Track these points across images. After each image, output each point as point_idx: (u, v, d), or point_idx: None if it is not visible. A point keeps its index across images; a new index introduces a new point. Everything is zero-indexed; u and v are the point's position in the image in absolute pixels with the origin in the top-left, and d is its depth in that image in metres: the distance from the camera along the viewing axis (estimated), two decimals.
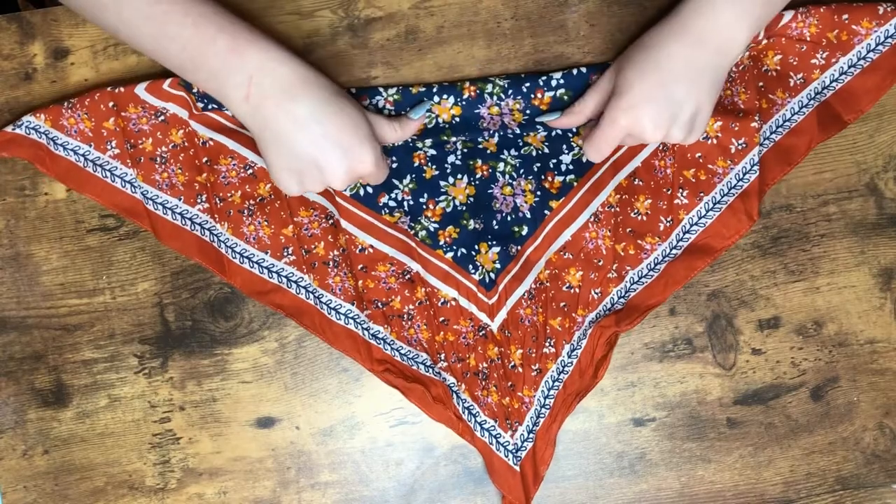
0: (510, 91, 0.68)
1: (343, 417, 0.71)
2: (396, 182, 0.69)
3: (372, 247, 0.69)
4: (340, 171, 0.60)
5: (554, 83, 0.68)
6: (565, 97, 0.68)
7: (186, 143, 0.69)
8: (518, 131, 0.69)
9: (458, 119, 0.69)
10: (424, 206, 0.69)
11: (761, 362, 0.71)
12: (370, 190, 0.69)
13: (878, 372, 0.71)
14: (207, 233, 0.69)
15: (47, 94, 0.71)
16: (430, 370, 0.70)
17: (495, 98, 0.68)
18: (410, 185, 0.69)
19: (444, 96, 0.68)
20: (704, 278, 0.71)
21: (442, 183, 0.69)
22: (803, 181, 0.71)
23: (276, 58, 0.58)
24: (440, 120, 0.69)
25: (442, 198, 0.69)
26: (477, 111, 0.68)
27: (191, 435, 0.71)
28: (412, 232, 0.69)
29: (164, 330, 0.71)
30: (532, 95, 0.68)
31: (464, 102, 0.68)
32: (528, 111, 0.68)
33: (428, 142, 0.69)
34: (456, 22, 0.71)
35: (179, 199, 0.69)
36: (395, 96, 0.68)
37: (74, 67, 0.71)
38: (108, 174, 0.69)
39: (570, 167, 0.69)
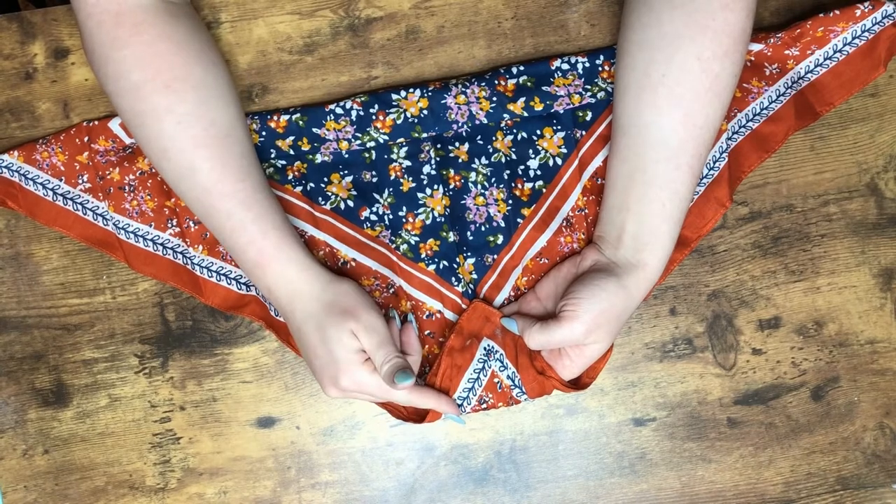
0: (473, 80, 0.69)
1: (343, 417, 0.71)
2: (377, 196, 0.69)
3: (354, 260, 0.69)
4: (329, 384, 0.63)
5: (515, 71, 0.68)
6: (528, 83, 0.68)
7: (154, 170, 0.69)
8: (485, 121, 0.69)
9: (426, 112, 0.68)
10: (404, 220, 0.69)
11: (761, 362, 0.71)
12: (351, 204, 0.69)
13: (878, 372, 0.71)
14: (180, 256, 0.69)
15: (47, 94, 0.71)
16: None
17: (460, 87, 0.68)
18: (389, 199, 0.69)
19: (411, 90, 0.68)
20: (705, 278, 0.71)
21: (420, 195, 0.69)
22: (803, 181, 0.71)
23: (286, 278, 0.63)
24: (408, 114, 0.69)
25: (421, 210, 0.69)
26: (443, 101, 0.68)
27: (191, 435, 0.71)
28: (393, 246, 0.69)
29: (164, 330, 0.71)
30: (496, 82, 0.68)
31: (430, 93, 0.68)
32: (493, 98, 0.68)
33: (402, 152, 0.69)
34: (456, 22, 0.71)
35: (150, 226, 0.69)
36: (363, 97, 0.69)
37: (75, 67, 0.71)
38: (80, 207, 0.69)
39: (538, 172, 0.69)
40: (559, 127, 0.69)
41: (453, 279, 0.69)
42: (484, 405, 0.67)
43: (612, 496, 0.72)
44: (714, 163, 0.67)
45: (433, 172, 0.69)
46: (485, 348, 0.67)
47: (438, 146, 0.69)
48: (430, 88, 0.68)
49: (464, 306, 0.69)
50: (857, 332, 0.71)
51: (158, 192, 0.69)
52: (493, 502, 0.72)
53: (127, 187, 0.69)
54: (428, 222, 0.69)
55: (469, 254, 0.69)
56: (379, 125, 0.69)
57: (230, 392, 0.71)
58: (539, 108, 0.69)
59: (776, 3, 0.70)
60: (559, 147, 0.69)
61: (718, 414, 0.71)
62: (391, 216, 0.69)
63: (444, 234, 0.69)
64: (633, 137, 0.62)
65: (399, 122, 0.68)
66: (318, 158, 0.69)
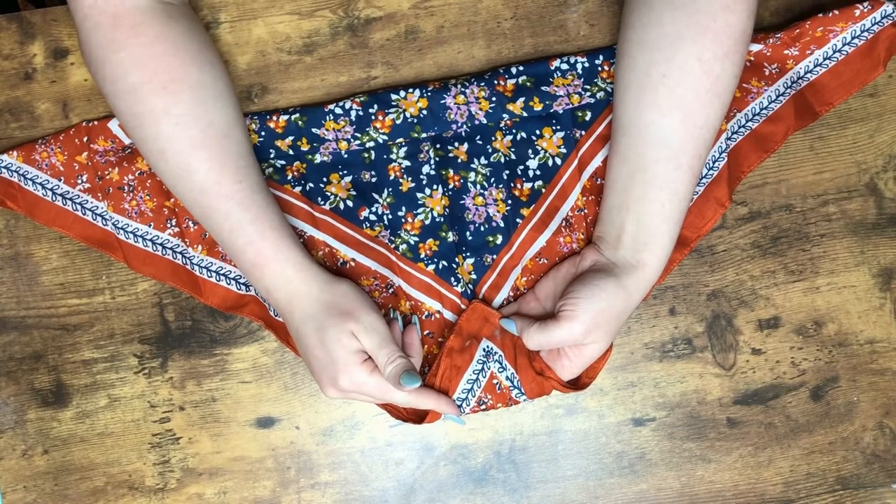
0: (473, 80, 0.69)
1: (343, 417, 0.72)
2: (376, 196, 0.69)
3: (354, 260, 0.69)
4: (328, 384, 0.63)
5: (514, 71, 0.68)
6: (528, 83, 0.68)
7: (153, 169, 0.69)
8: (485, 121, 0.69)
9: (425, 112, 0.68)
10: (403, 220, 0.69)
11: (761, 362, 0.71)
12: (350, 204, 0.69)
13: (877, 372, 0.71)
14: (180, 256, 0.69)
15: (47, 94, 0.71)
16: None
17: (459, 87, 0.68)
18: (388, 199, 0.69)
19: (410, 90, 0.68)
20: (704, 278, 0.71)
21: (419, 195, 0.69)
22: (803, 181, 0.71)
23: (285, 278, 0.63)
24: (408, 114, 0.69)
25: (420, 210, 0.69)
26: (443, 101, 0.68)
27: (191, 435, 0.71)
28: (392, 246, 0.69)
29: (163, 330, 0.71)
30: (495, 82, 0.68)
31: (429, 94, 0.68)
32: (493, 98, 0.68)
33: (402, 152, 0.69)
34: (456, 22, 0.71)
35: (149, 226, 0.69)
36: (362, 97, 0.69)
37: (74, 67, 0.71)
38: (79, 207, 0.69)
39: (538, 172, 0.69)
40: (558, 127, 0.69)
41: (452, 279, 0.69)
42: (483, 406, 0.67)
43: (611, 496, 0.72)
44: (713, 163, 0.67)
45: (432, 172, 0.69)
46: (484, 349, 0.67)
47: (438, 146, 0.69)
48: (429, 88, 0.68)
49: (463, 307, 0.69)
50: (856, 331, 0.71)
51: (157, 192, 0.69)
52: (493, 502, 0.72)
53: (126, 187, 0.69)
54: (427, 222, 0.69)
55: (468, 254, 0.69)
56: (378, 125, 0.69)
57: (229, 392, 0.71)
58: (538, 108, 0.69)
59: (776, 3, 0.70)
60: (558, 147, 0.69)
61: (718, 414, 0.71)
62: (390, 216, 0.69)
63: (444, 234, 0.69)
64: (634, 137, 0.62)
65: (398, 122, 0.68)
66: (318, 158, 0.69)
